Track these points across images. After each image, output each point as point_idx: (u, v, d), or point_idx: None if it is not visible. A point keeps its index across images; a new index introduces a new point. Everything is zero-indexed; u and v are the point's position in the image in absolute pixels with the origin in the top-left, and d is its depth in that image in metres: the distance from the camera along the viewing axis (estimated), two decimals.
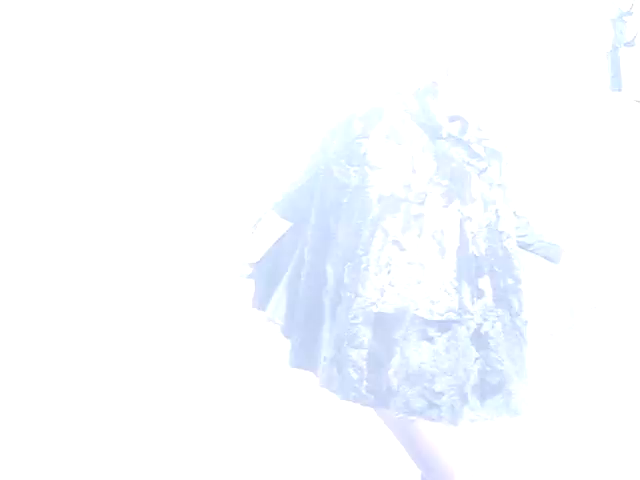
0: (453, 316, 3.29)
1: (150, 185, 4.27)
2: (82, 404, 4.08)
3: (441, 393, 3.27)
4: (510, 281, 3.43)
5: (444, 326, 3.28)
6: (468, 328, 3.31)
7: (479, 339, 3.34)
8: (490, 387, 3.34)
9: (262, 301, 3.55)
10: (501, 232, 3.44)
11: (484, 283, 3.37)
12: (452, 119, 3.43)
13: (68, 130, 4.27)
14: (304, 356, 3.44)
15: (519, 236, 3.55)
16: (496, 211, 3.46)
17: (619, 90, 5.17)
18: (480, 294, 3.36)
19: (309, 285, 3.42)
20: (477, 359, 3.32)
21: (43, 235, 3.81)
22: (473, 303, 3.35)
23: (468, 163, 3.44)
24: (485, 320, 3.35)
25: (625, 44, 5.23)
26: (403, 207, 3.33)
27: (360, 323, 3.28)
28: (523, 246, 3.59)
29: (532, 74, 6.35)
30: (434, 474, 3.37)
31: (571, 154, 6.28)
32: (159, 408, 4.27)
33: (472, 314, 3.33)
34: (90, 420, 4.06)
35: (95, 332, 4.17)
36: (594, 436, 3.82)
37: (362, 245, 3.34)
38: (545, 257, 3.68)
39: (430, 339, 3.28)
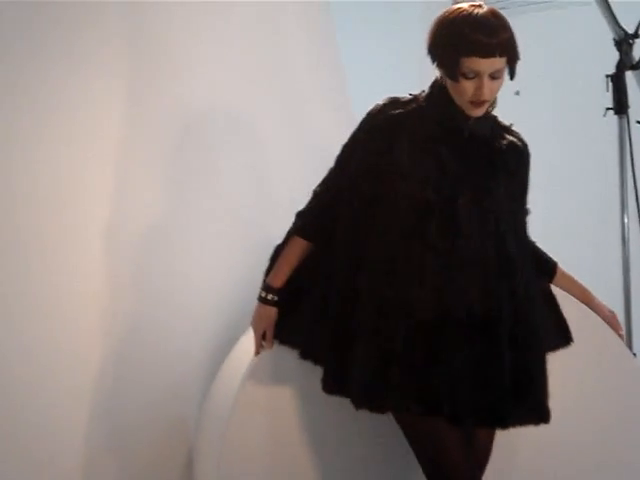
0: (492, 317, 3.23)
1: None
2: None
3: (480, 395, 3.20)
4: (533, 283, 3.42)
5: (483, 327, 3.22)
6: (505, 327, 3.24)
7: (513, 340, 3.28)
8: (522, 390, 3.28)
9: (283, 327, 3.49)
10: (525, 234, 3.48)
11: (517, 284, 3.31)
12: (472, 117, 3.33)
13: None
14: (338, 379, 3.33)
15: None
16: (522, 209, 3.50)
17: (624, 113, 5.13)
18: (513, 295, 3.31)
19: (339, 302, 3.32)
20: (510, 360, 3.26)
21: None
22: (508, 303, 3.29)
23: (493, 161, 3.37)
24: (517, 321, 3.30)
25: (631, 67, 5.19)
26: (436, 211, 3.23)
27: (399, 333, 3.17)
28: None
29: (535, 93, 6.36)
30: None
31: (574, 177, 6.26)
32: None
33: (508, 315, 3.26)
34: None
35: None
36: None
37: (399, 256, 3.25)
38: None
39: (471, 342, 3.21)
